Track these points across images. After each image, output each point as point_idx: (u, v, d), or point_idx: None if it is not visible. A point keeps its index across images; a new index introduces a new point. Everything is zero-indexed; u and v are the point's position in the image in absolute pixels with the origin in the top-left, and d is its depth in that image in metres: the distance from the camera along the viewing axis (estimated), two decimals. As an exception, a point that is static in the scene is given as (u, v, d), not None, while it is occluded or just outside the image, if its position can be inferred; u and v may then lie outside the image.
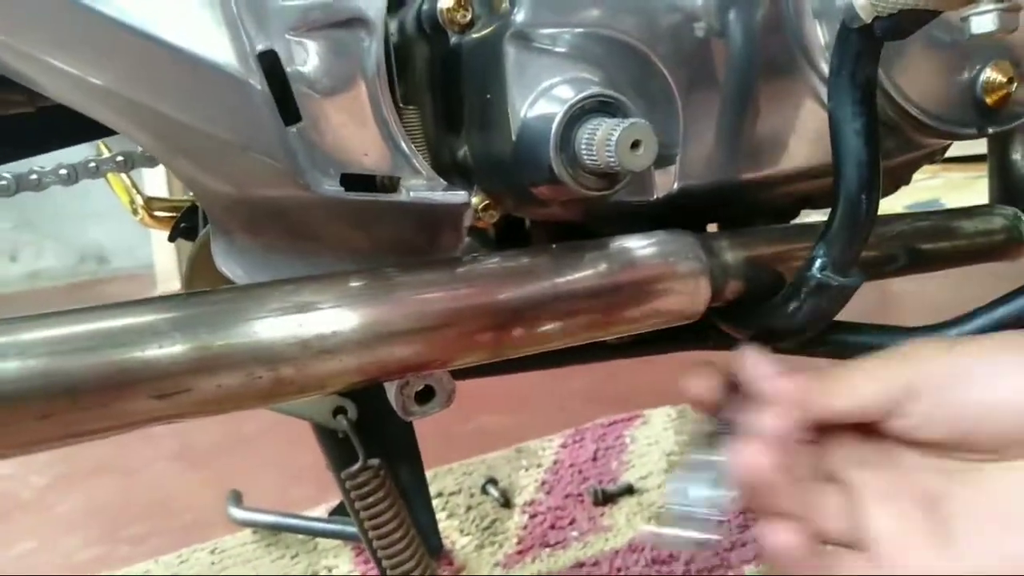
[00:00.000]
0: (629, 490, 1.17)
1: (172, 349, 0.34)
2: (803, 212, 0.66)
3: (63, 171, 0.69)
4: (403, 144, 0.42)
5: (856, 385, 0.44)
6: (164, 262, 3.30)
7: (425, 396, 0.45)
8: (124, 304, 0.35)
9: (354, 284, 0.39)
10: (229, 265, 0.44)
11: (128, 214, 0.89)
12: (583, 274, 0.45)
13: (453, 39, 0.49)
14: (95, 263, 3.92)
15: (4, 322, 0.32)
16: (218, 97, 0.36)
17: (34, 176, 0.68)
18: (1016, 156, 0.75)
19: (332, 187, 0.39)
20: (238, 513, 1.15)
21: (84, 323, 0.33)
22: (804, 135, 0.53)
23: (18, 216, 3.62)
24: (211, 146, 0.37)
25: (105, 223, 3.70)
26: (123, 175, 0.78)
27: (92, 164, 0.69)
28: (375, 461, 0.57)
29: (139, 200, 0.86)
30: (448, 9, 0.48)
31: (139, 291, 3.39)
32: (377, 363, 0.39)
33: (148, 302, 0.35)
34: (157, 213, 0.87)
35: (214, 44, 0.35)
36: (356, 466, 0.56)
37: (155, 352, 0.33)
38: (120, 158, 0.70)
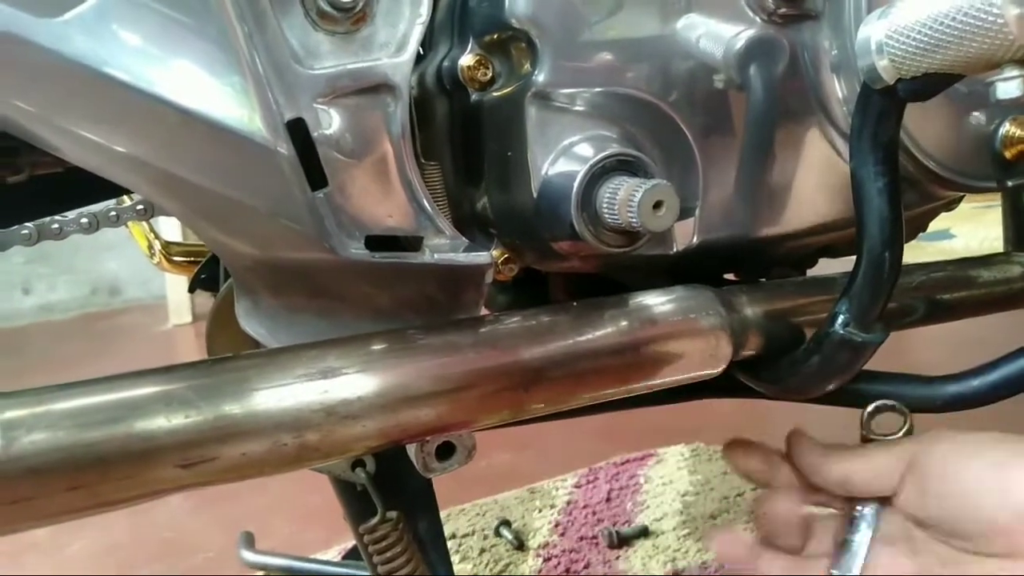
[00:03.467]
0: (644, 532, 1.16)
1: (198, 418, 0.34)
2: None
3: (84, 220, 0.70)
4: (426, 204, 0.43)
5: (853, 462, 0.51)
6: (176, 294, 3.32)
7: (445, 452, 0.45)
8: (150, 372, 0.35)
9: (377, 348, 0.39)
10: (252, 325, 0.45)
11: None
12: (603, 332, 0.45)
13: (473, 96, 0.49)
14: (107, 295, 3.94)
15: (32, 393, 0.32)
16: (246, 165, 0.36)
17: (56, 225, 0.69)
18: (1031, 201, 0.75)
19: (358, 250, 0.39)
20: (250, 556, 1.14)
21: (111, 393, 0.33)
22: (823, 187, 0.54)
23: (31, 249, 3.65)
24: (237, 212, 0.38)
25: (118, 255, 3.73)
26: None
27: (112, 213, 0.70)
28: (393, 514, 0.57)
29: (157, 245, 0.87)
30: (469, 67, 0.48)
31: (151, 323, 3.40)
32: (400, 427, 0.39)
33: (175, 370, 0.36)
34: (175, 258, 0.88)
35: (242, 113, 0.36)
36: (375, 520, 0.56)
37: (182, 421, 0.33)
38: (140, 207, 0.70)
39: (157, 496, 0.34)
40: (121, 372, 0.35)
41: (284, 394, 0.35)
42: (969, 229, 2.88)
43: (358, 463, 0.56)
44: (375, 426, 0.38)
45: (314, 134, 0.38)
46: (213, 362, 0.36)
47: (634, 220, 0.42)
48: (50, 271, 3.76)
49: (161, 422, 0.33)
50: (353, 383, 0.37)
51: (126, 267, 3.83)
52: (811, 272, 0.64)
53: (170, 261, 0.88)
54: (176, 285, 3.23)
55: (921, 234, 0.68)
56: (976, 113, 0.52)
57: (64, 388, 0.33)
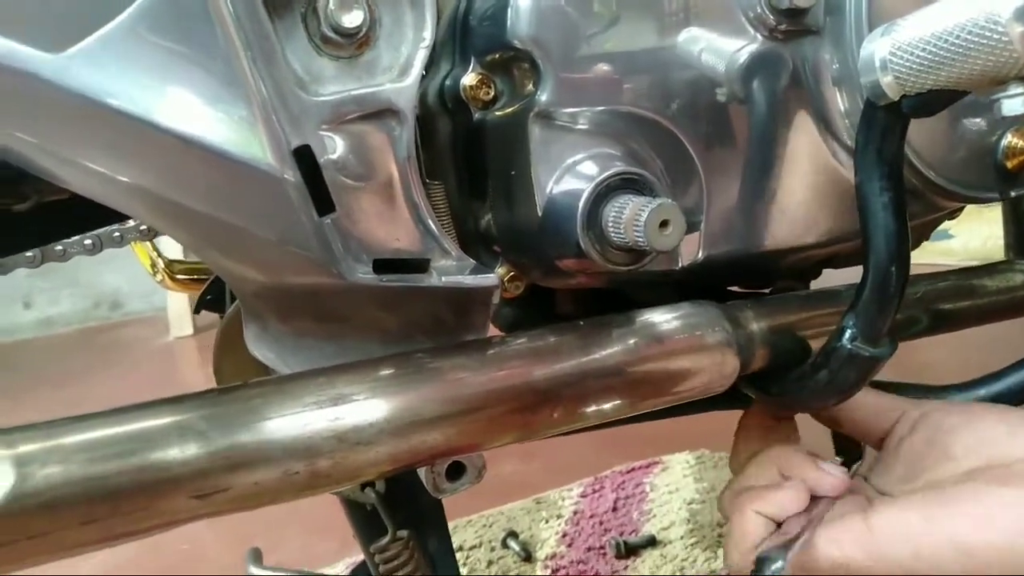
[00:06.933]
0: (652, 542, 1.15)
1: (210, 449, 0.34)
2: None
3: (88, 241, 0.70)
4: (432, 226, 0.43)
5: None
6: (177, 306, 3.32)
7: (456, 472, 0.45)
8: (161, 402, 0.35)
9: (386, 372, 0.39)
10: (261, 350, 0.45)
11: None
12: (610, 351, 0.45)
13: (476, 115, 0.49)
14: (109, 308, 3.94)
15: (44, 427, 0.32)
16: (253, 194, 0.36)
17: (59, 247, 0.69)
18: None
19: (365, 274, 0.39)
20: (258, 572, 1.14)
21: (122, 425, 0.33)
22: (826, 200, 0.54)
23: (33, 263, 3.64)
24: (244, 239, 0.38)
25: (119, 268, 3.73)
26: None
27: (116, 234, 0.70)
28: (404, 533, 0.57)
29: (160, 264, 0.87)
30: (471, 87, 0.48)
31: (153, 335, 3.40)
32: (411, 452, 0.39)
33: (185, 400, 0.36)
34: (178, 276, 0.88)
35: (248, 141, 0.36)
36: (385, 539, 0.56)
37: (194, 452, 0.33)
38: (144, 227, 0.70)
39: (171, 527, 0.34)
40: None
41: (295, 422, 0.35)
42: (968, 228, 2.88)
43: (368, 483, 0.56)
44: (386, 452, 0.38)
45: (320, 160, 0.38)
46: (223, 391, 0.36)
47: (640, 239, 0.42)
48: (52, 285, 3.76)
49: (174, 453, 0.33)
50: (363, 409, 0.37)
51: (127, 280, 3.83)
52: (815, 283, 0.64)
53: (173, 279, 0.88)
54: (177, 297, 3.23)
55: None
56: (978, 124, 0.52)
57: (75, 420, 0.33)
